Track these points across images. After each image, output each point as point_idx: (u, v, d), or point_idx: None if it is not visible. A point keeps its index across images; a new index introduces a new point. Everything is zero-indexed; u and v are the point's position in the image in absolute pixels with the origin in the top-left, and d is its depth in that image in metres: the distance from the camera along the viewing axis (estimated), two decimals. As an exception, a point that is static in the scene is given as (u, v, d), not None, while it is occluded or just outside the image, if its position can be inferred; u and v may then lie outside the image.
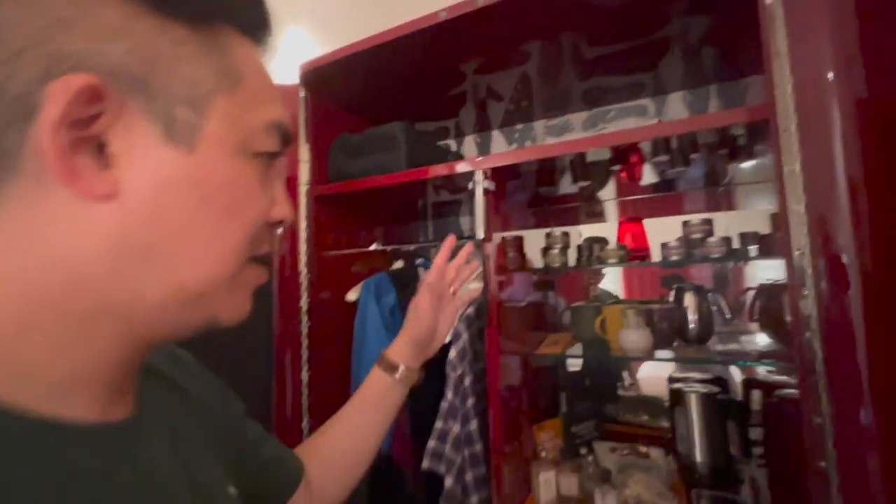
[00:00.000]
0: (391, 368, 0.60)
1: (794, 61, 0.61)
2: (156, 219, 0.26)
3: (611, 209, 1.37)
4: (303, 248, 1.09)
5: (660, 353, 1.02)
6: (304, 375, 1.04)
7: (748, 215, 1.17)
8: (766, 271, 1.12)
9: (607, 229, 1.32)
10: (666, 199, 1.31)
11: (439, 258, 0.65)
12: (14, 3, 0.22)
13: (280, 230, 0.35)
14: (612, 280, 1.36)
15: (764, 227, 1.03)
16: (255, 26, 0.30)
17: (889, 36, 0.56)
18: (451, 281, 0.67)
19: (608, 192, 1.33)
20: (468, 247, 0.68)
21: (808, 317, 0.60)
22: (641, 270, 1.32)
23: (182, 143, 0.26)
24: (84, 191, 0.24)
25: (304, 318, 1.07)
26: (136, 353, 0.30)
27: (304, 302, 1.07)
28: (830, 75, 0.59)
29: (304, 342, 1.06)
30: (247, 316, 0.32)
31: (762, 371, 1.07)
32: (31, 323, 0.25)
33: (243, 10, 0.29)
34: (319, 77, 1.08)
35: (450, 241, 0.66)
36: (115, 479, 0.27)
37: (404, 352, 0.62)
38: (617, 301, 1.24)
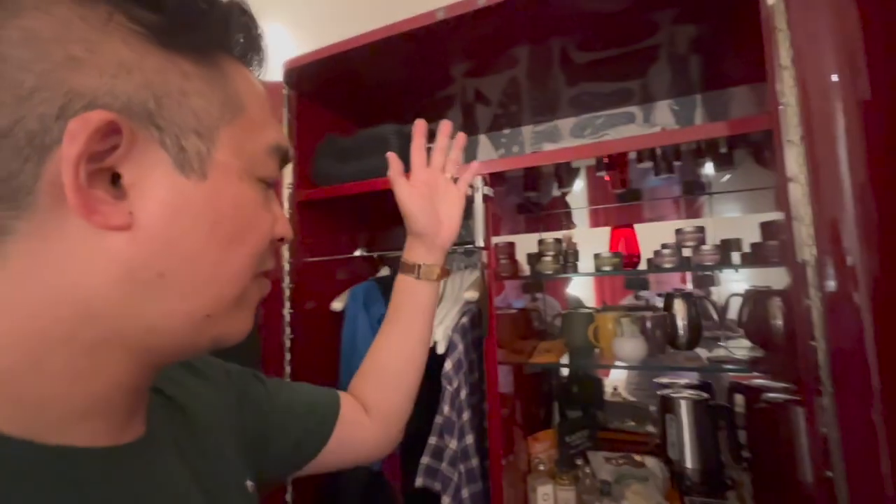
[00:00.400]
0: (410, 270, 0.58)
1: (799, 72, 0.62)
2: (168, 247, 0.26)
3: (594, 214, 1.37)
4: (285, 255, 1.03)
5: (654, 361, 1.02)
6: (288, 391, 0.98)
7: (725, 222, 1.19)
8: (741, 278, 1.15)
9: (591, 234, 1.33)
10: (643, 205, 1.32)
11: (414, 147, 0.59)
12: (26, 41, 0.23)
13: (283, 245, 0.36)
14: (582, 284, 1.37)
15: (740, 234, 1.06)
16: (251, 52, 0.32)
17: (891, 38, 0.57)
18: (442, 165, 0.61)
19: (592, 199, 1.34)
20: (447, 123, 0.60)
21: (811, 325, 0.60)
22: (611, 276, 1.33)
23: (193, 173, 0.27)
24: (101, 223, 0.24)
25: (287, 330, 1.00)
26: (147, 377, 0.30)
27: (286, 312, 1.01)
28: (835, 77, 0.59)
29: (287, 356, 0.99)
30: (249, 331, 0.33)
31: (744, 375, 1.08)
32: (45, 357, 0.25)
33: (240, 38, 0.30)
34: (304, 76, 1.03)
35: (420, 124, 0.59)
36: (132, 497, 0.28)
37: (415, 250, 0.58)
38: (607, 308, 1.24)
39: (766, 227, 0.90)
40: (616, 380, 1.34)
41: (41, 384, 0.25)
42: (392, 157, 0.59)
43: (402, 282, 0.58)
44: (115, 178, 0.25)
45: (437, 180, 0.60)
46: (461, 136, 0.63)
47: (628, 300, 1.35)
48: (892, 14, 0.58)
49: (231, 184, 0.29)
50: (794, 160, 0.62)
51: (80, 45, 0.23)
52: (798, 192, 0.62)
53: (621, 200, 1.33)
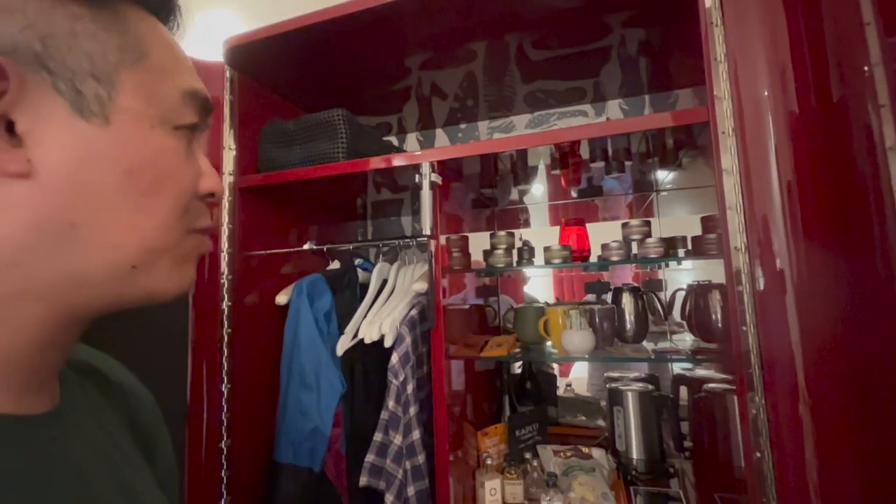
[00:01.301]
0: None
1: (732, 66, 0.64)
2: (77, 195, 0.26)
3: (545, 214, 1.39)
4: (224, 245, 0.97)
5: (602, 354, 1.03)
6: (224, 388, 0.92)
7: (671, 222, 1.23)
8: (685, 275, 1.19)
9: (547, 232, 1.35)
10: (593, 205, 1.36)
11: None
12: None
13: (216, 202, 0.34)
14: (543, 284, 1.38)
15: (686, 232, 1.09)
16: (161, 6, 0.31)
17: (816, 50, 0.60)
18: None
19: (546, 196, 1.35)
20: None
21: (743, 311, 0.62)
22: (570, 276, 1.36)
23: (94, 117, 0.26)
24: None
25: (225, 324, 0.94)
26: (66, 334, 0.29)
27: (225, 306, 0.95)
28: (765, 85, 0.62)
29: (225, 351, 0.93)
30: (191, 287, 0.33)
31: (687, 367, 1.12)
32: None
33: None
34: (248, 56, 0.98)
35: None
36: (30, 474, 0.26)
37: None
38: (559, 303, 1.25)
39: (707, 221, 0.94)
40: (574, 377, 1.35)
41: None
42: None
43: None
44: (12, 126, 0.24)
45: None
46: None
47: (587, 300, 1.37)
48: (816, 20, 0.61)
49: (142, 130, 0.28)
50: (727, 152, 0.64)
51: None
52: (731, 183, 0.64)
53: (576, 199, 1.36)
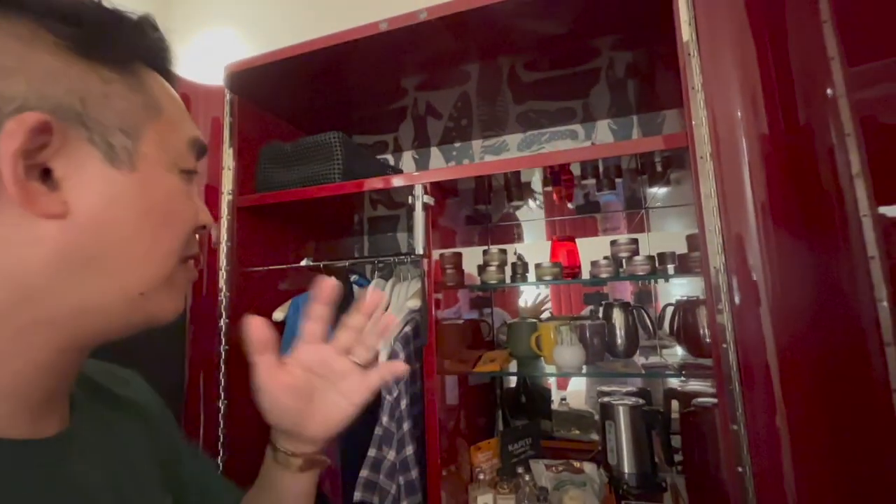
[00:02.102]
0: (273, 449, 0.45)
1: (708, 96, 0.67)
2: (101, 231, 0.29)
3: (542, 228, 1.42)
4: (223, 263, 0.99)
5: (593, 369, 1.05)
6: (221, 404, 0.94)
7: (663, 237, 1.26)
8: (678, 289, 1.21)
9: (541, 247, 1.37)
10: (591, 220, 1.38)
11: (308, 316, 0.45)
12: None
13: (206, 233, 0.39)
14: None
15: (677, 248, 1.12)
16: (163, 62, 0.36)
17: (785, 78, 0.64)
18: (348, 347, 0.45)
19: (539, 212, 1.38)
20: (376, 293, 0.47)
21: (723, 329, 0.64)
22: (568, 288, 1.38)
23: (122, 165, 0.30)
24: (39, 211, 0.27)
25: (223, 340, 0.96)
26: (72, 361, 0.32)
27: (222, 322, 0.97)
28: (738, 111, 0.65)
29: (222, 367, 0.95)
30: (181, 312, 0.36)
31: (678, 382, 1.14)
32: None
33: (153, 52, 0.35)
34: (248, 80, 1.01)
35: (326, 285, 0.44)
36: (40, 498, 0.29)
37: (278, 436, 0.45)
38: (552, 318, 1.27)
39: (691, 240, 0.96)
40: (570, 391, 1.37)
41: None
42: (258, 328, 0.43)
43: (266, 461, 0.45)
44: (47, 174, 0.28)
45: (332, 364, 0.45)
46: (389, 318, 0.47)
47: (584, 314, 1.39)
48: (783, 51, 0.65)
49: (159, 175, 0.32)
50: (706, 176, 0.67)
51: (9, 56, 0.27)
52: (710, 205, 0.66)
53: (569, 215, 1.38)
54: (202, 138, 0.38)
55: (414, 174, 0.91)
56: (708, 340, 0.83)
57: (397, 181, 0.92)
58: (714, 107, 0.67)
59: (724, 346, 0.64)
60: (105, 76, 0.30)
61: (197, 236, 0.38)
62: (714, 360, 0.65)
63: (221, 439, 0.92)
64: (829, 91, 0.58)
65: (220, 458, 0.92)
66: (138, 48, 0.33)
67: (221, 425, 0.93)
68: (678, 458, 1.07)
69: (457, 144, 1.44)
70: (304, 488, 0.45)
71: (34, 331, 0.28)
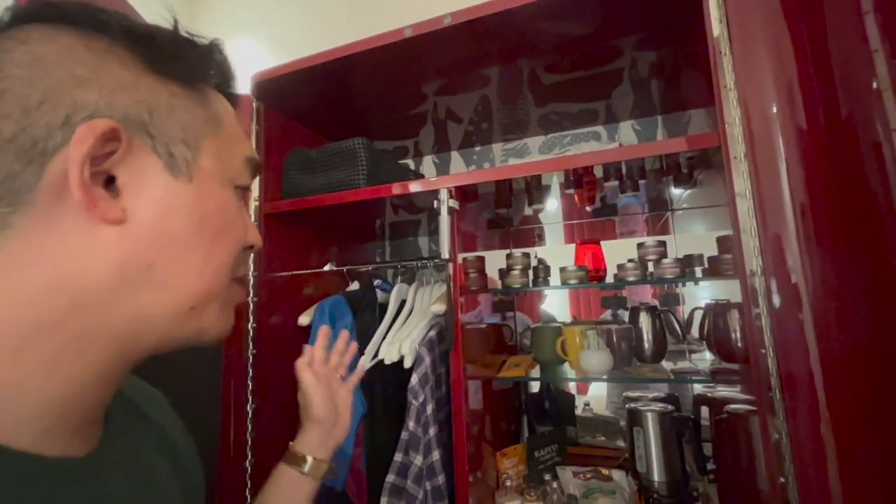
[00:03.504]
0: (298, 461, 0.56)
1: (741, 93, 0.65)
2: (158, 240, 0.30)
3: (559, 232, 1.40)
4: (250, 268, 1.01)
5: (620, 374, 1.03)
6: (250, 408, 0.95)
7: (689, 239, 1.23)
8: (704, 292, 1.18)
9: (562, 250, 1.36)
10: (609, 223, 1.36)
11: (318, 350, 0.65)
12: (33, 63, 0.27)
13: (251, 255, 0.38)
14: (559, 301, 1.39)
15: (703, 250, 1.09)
16: (227, 83, 0.37)
17: (824, 71, 0.61)
18: (336, 367, 0.66)
19: (558, 216, 1.37)
20: (344, 333, 0.69)
21: (761, 334, 0.62)
22: (587, 292, 1.36)
23: (181, 175, 0.31)
24: (100, 216, 0.27)
25: (250, 345, 0.98)
26: (117, 372, 0.31)
27: (250, 326, 0.98)
28: (774, 108, 0.63)
29: (251, 371, 0.96)
30: (229, 331, 0.36)
31: (702, 387, 1.11)
32: (29, 345, 0.27)
33: (219, 74, 0.36)
34: (274, 89, 1.03)
35: (324, 331, 0.66)
36: None
37: (310, 442, 0.58)
38: (576, 322, 1.25)
39: (722, 242, 0.94)
40: (591, 396, 1.34)
41: (18, 370, 0.26)
42: (306, 348, 0.65)
43: (285, 474, 0.56)
44: (111, 181, 0.28)
45: (331, 377, 0.64)
46: (353, 346, 0.70)
47: (604, 318, 1.37)
48: (822, 45, 0.63)
49: (214, 188, 0.33)
50: (740, 176, 0.65)
51: (83, 67, 0.28)
52: (744, 207, 0.65)
53: (590, 217, 1.37)
54: (258, 157, 0.38)
55: (439, 178, 0.91)
56: (740, 345, 0.80)
57: (422, 186, 0.92)
58: (748, 104, 0.65)
59: (763, 350, 0.62)
60: (172, 90, 0.31)
61: (248, 257, 0.39)
62: (752, 365, 0.63)
63: (250, 442, 0.94)
64: (873, 84, 0.56)
65: (247, 461, 0.93)
66: (205, 68, 0.34)
67: (249, 429, 0.94)
68: (710, 466, 1.04)
69: (477, 148, 1.44)
70: (314, 493, 0.56)
71: (87, 340, 0.28)
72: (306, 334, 1.05)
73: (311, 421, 0.60)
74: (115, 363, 0.30)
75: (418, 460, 0.85)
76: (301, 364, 0.63)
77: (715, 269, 0.97)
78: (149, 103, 0.30)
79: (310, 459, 0.56)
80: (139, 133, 0.29)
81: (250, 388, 0.96)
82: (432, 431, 0.86)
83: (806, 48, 0.63)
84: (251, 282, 1.00)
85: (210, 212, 0.32)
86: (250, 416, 0.95)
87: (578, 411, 1.31)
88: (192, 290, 0.32)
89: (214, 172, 0.33)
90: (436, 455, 0.85)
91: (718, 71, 0.68)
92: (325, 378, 0.63)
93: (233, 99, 0.38)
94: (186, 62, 0.33)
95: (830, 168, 0.61)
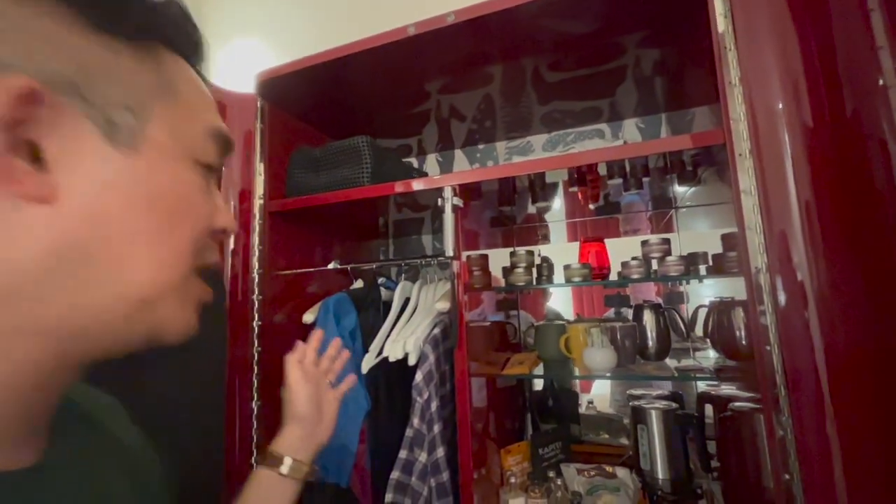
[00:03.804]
0: (276, 462, 0.55)
1: (747, 90, 0.65)
2: (97, 223, 0.25)
3: (563, 230, 1.40)
4: (255, 266, 1.01)
5: (623, 372, 1.03)
6: (255, 405, 0.95)
7: (692, 237, 1.23)
8: (708, 290, 1.18)
9: (564, 249, 1.36)
10: (612, 221, 1.36)
11: (309, 350, 0.66)
12: None
13: (228, 241, 0.34)
14: (562, 300, 1.39)
15: (707, 248, 1.09)
16: (189, 47, 0.32)
17: (829, 70, 0.61)
18: (326, 371, 0.67)
19: (560, 214, 1.37)
20: (337, 340, 0.71)
21: (766, 331, 0.62)
22: (590, 290, 1.36)
23: (125, 146, 0.26)
24: (21, 192, 0.23)
25: (255, 343, 0.98)
26: (57, 379, 0.28)
27: (255, 324, 0.99)
28: (780, 105, 0.63)
29: (255, 368, 0.97)
30: (192, 331, 0.31)
31: (706, 385, 1.10)
32: None
33: (178, 36, 0.31)
34: (277, 88, 1.04)
35: (318, 334, 0.68)
36: None
37: (290, 442, 0.58)
38: (580, 320, 1.25)
39: (727, 239, 0.94)
40: (595, 394, 1.34)
41: None
42: (298, 344, 0.66)
43: (265, 477, 0.54)
44: (40, 151, 0.24)
45: (321, 380, 0.65)
46: (346, 354, 0.72)
47: (607, 316, 1.37)
48: (828, 41, 0.63)
49: (167, 163, 0.28)
50: (745, 173, 0.65)
51: (3, 19, 0.23)
52: (749, 204, 0.65)
53: (594, 216, 1.37)
54: (227, 131, 0.33)
55: (443, 176, 0.91)
56: (745, 342, 0.80)
57: (426, 184, 0.92)
58: (753, 101, 0.65)
59: (767, 347, 0.62)
60: (115, 48, 0.27)
61: (221, 242, 0.34)
62: (757, 362, 0.63)
63: (255, 439, 0.94)
64: (879, 80, 0.56)
65: (253, 457, 0.94)
66: (158, 27, 0.29)
67: (255, 425, 0.95)
68: (714, 463, 1.04)
69: (480, 146, 1.44)
70: (296, 496, 0.55)
71: (17, 337, 0.24)
72: (310, 332, 1.05)
73: (292, 419, 0.59)
74: (53, 366, 0.26)
75: (423, 457, 0.85)
76: (290, 359, 0.63)
77: (719, 267, 0.97)
78: (83, 62, 0.25)
79: (289, 460, 0.55)
80: (70, 96, 0.24)
81: (255, 385, 0.96)
82: (437, 428, 0.86)
83: (811, 44, 0.63)
84: (255, 280, 1.00)
85: (163, 189, 0.28)
86: (255, 412, 0.95)
87: (582, 409, 1.32)
88: (143, 281, 0.27)
89: (168, 145, 0.28)
90: (440, 452, 0.86)
91: (723, 67, 0.68)
92: (314, 378, 0.64)
93: (194, 59, 0.32)
94: (133, 17, 0.28)
95: (836, 165, 0.61)
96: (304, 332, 1.08)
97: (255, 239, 1.02)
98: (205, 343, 0.91)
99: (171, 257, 0.28)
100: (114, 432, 0.37)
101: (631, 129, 1.27)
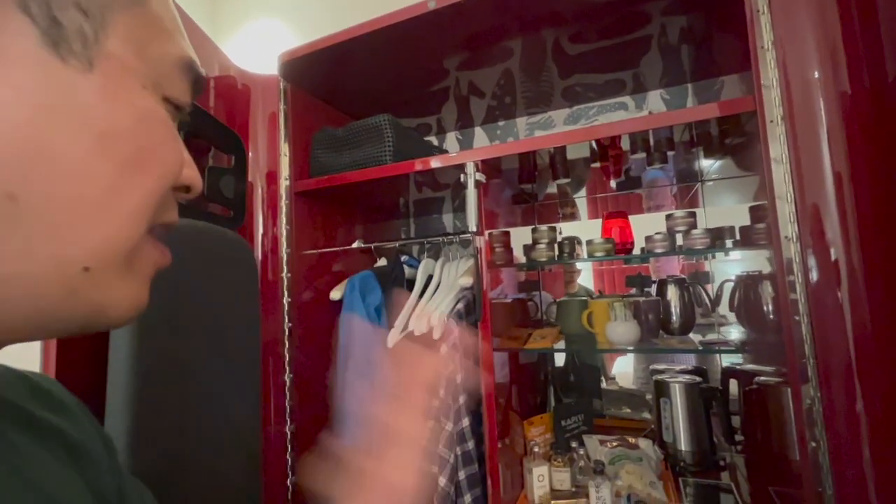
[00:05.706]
0: None
1: (780, 54, 0.63)
2: (30, 155, 0.18)
3: (589, 205, 1.39)
4: (283, 246, 1.04)
5: (647, 345, 1.03)
6: (287, 378, 1.00)
7: (718, 212, 1.21)
8: (734, 267, 1.16)
9: (585, 226, 1.35)
10: (635, 197, 1.34)
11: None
12: None
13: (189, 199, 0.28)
14: (583, 279, 1.39)
15: (734, 222, 1.07)
16: None
17: (870, 32, 0.59)
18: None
19: (585, 189, 1.35)
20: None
21: (795, 302, 0.62)
22: (612, 268, 1.35)
23: (72, 56, 0.20)
24: None
25: (286, 319, 1.02)
26: None
27: (285, 301, 1.03)
28: (815, 70, 0.61)
29: (287, 343, 1.01)
30: (143, 310, 0.25)
31: (738, 361, 1.10)
32: None
33: None
34: (299, 68, 1.05)
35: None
36: None
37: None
38: (601, 296, 1.25)
39: (755, 211, 0.92)
40: (617, 371, 1.35)
41: None
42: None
43: None
44: None
45: None
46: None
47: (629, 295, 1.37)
48: (870, 4, 0.60)
49: (130, 88, 0.22)
50: (776, 140, 0.64)
51: None
52: (780, 172, 0.63)
53: (617, 191, 1.35)
54: (198, 62, 0.26)
55: (465, 152, 0.91)
56: (772, 316, 0.80)
57: (449, 160, 0.93)
58: (787, 66, 0.63)
59: (797, 318, 0.62)
60: None
61: (177, 201, 0.27)
62: (784, 332, 0.63)
63: (288, 410, 0.99)
64: (923, 40, 0.53)
65: (287, 426, 0.98)
66: None
67: (287, 397, 1.00)
68: (738, 437, 1.04)
69: (501, 123, 1.43)
70: None
71: None
72: (337, 308, 1.09)
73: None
74: None
75: (449, 426, 0.88)
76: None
77: (747, 240, 0.95)
78: None
79: None
80: None
81: (287, 359, 1.01)
82: (461, 399, 0.89)
83: (851, 5, 0.60)
84: (284, 259, 1.04)
85: (121, 121, 0.21)
86: (288, 384, 1.00)
87: (604, 385, 1.33)
88: (89, 242, 0.20)
89: (131, 65, 0.22)
90: (465, 422, 0.89)
91: (755, 30, 0.65)
92: None
93: None
94: None
95: (875, 135, 0.59)
96: (332, 307, 1.12)
97: (283, 219, 1.04)
98: (242, 321, 0.95)
99: (130, 212, 0.22)
100: (56, 425, 0.30)
101: (656, 100, 1.24)
